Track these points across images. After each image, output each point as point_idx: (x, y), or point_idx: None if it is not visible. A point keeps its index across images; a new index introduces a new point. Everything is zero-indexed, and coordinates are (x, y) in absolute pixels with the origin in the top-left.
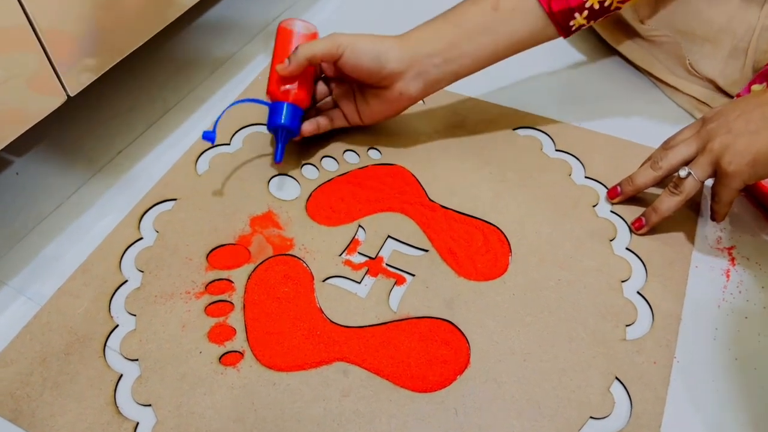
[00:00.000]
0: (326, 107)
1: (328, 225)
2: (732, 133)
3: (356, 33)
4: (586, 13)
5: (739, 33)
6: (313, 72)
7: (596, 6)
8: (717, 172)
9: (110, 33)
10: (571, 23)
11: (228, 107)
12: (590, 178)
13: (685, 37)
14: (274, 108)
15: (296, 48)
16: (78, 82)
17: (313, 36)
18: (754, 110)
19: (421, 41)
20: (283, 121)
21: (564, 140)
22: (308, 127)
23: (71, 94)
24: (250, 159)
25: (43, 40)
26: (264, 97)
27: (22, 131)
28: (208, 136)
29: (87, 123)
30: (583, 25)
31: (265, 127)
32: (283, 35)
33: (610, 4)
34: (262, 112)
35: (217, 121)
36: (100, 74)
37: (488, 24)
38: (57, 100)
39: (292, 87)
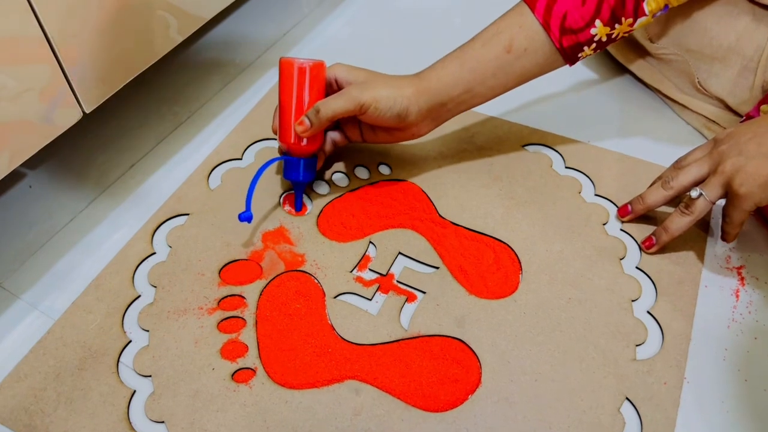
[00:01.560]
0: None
1: (339, 241)
2: (744, 155)
3: (370, 79)
4: (594, 45)
5: (748, 53)
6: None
7: (603, 39)
8: (728, 194)
9: (126, 49)
10: (579, 55)
11: (255, 178)
12: (600, 196)
13: (694, 56)
14: (292, 163)
15: (317, 108)
16: (93, 98)
17: (320, 67)
18: (767, 133)
19: (437, 92)
20: (304, 179)
21: (574, 158)
22: (318, 163)
23: (87, 111)
24: (263, 174)
25: (59, 57)
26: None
27: (39, 148)
28: (246, 217)
29: (99, 137)
30: (590, 54)
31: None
32: (285, 71)
33: (617, 36)
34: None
35: (249, 199)
36: (115, 90)
37: (502, 66)
38: (73, 116)
39: (307, 140)
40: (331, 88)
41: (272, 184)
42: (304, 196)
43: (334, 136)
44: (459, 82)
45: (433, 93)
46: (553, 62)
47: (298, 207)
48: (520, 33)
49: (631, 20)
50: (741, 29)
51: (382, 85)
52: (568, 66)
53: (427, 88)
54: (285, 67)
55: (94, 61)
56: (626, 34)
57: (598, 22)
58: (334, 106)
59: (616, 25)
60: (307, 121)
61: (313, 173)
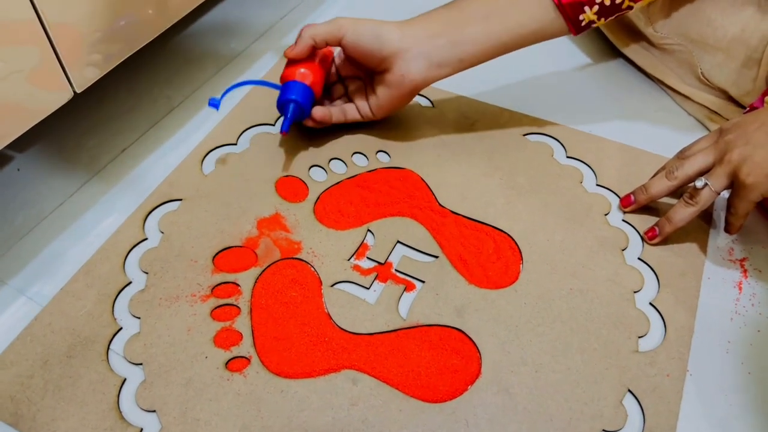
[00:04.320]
0: (340, 103)
1: (336, 229)
2: (751, 144)
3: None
4: (596, 8)
5: (753, 43)
6: (326, 63)
7: (607, 2)
8: (734, 184)
9: (119, 28)
10: (581, 17)
11: (243, 83)
12: (602, 186)
13: (697, 46)
14: (285, 86)
15: (301, 30)
16: (85, 78)
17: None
18: None
19: (422, 23)
20: (293, 96)
21: (575, 147)
22: (319, 111)
23: (78, 91)
24: (258, 160)
25: (50, 34)
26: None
27: (28, 127)
28: (214, 103)
29: (90, 120)
30: (594, 21)
31: (272, 127)
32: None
33: (622, 2)
34: (270, 112)
35: (226, 92)
36: (107, 70)
37: (492, 10)
38: (63, 96)
39: (303, 71)
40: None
41: (267, 169)
42: (300, 180)
43: (345, 107)
44: (445, 19)
45: (418, 24)
46: (552, 22)
47: (285, 127)
48: None
49: None
50: (745, 19)
51: (366, 19)
52: (572, 34)
53: (412, 21)
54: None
55: (86, 40)
56: (633, 3)
57: None
58: (316, 27)
59: None
60: (293, 45)
61: (307, 102)
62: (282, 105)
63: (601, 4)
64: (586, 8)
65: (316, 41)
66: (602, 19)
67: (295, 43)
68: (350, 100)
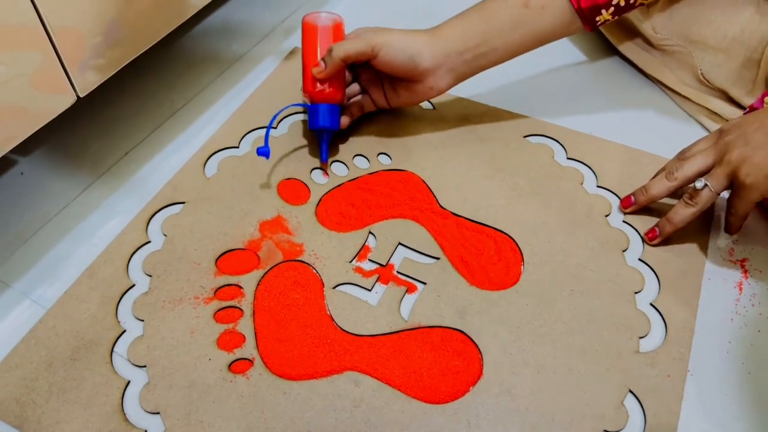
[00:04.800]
0: (353, 93)
1: (338, 231)
2: (750, 145)
3: (386, 29)
4: (612, 9)
5: (753, 44)
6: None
7: (622, 3)
8: (734, 185)
9: (121, 32)
10: (597, 18)
11: (275, 116)
12: (602, 187)
13: (697, 47)
14: (314, 110)
15: (330, 49)
16: (88, 82)
17: (338, 25)
18: None
19: (453, 39)
20: (327, 124)
21: (576, 148)
22: (345, 120)
23: (81, 95)
24: (260, 162)
25: (53, 39)
26: (286, 89)
27: (32, 132)
28: (264, 152)
29: (93, 123)
30: (608, 20)
31: (274, 130)
32: (308, 30)
33: (635, 2)
34: (271, 115)
35: (267, 134)
36: (110, 75)
37: (518, 20)
38: (67, 100)
39: (327, 86)
40: None
41: (269, 172)
42: (302, 182)
43: (360, 100)
44: (475, 33)
45: (449, 40)
46: (570, 23)
47: (324, 157)
48: None
49: None
50: (745, 20)
51: (396, 31)
52: (587, 30)
53: (442, 36)
54: (308, 27)
55: (89, 44)
56: (645, 1)
57: None
58: (346, 46)
59: None
60: (322, 63)
61: (336, 121)
62: (316, 131)
63: (617, 5)
64: (603, 10)
65: (347, 62)
66: (615, 17)
67: (324, 62)
68: (363, 88)
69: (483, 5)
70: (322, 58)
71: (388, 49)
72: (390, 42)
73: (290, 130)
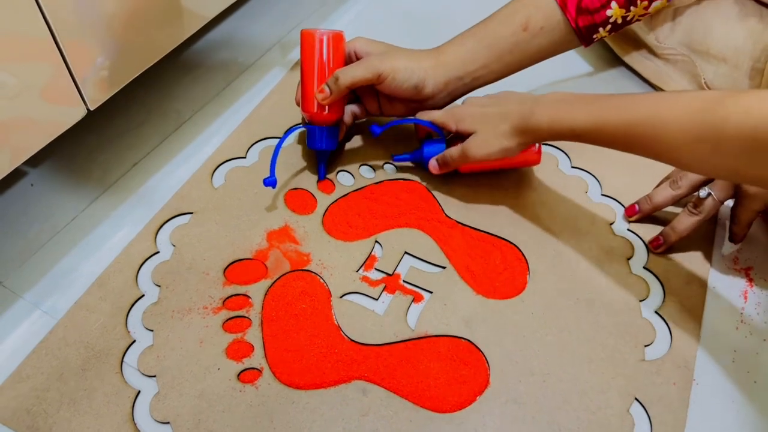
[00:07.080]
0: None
1: (344, 240)
2: None
3: (390, 51)
4: (609, 27)
5: (756, 53)
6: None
7: (619, 21)
8: (737, 194)
9: (131, 46)
10: (594, 36)
11: (279, 144)
12: (607, 195)
13: (700, 56)
14: (313, 132)
15: (336, 77)
16: (98, 95)
17: (339, 37)
18: None
19: (455, 64)
20: (324, 146)
21: (580, 157)
22: (340, 134)
23: (91, 108)
24: (266, 173)
25: (64, 53)
26: (292, 100)
27: (44, 144)
28: (270, 182)
29: (102, 135)
30: (605, 36)
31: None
32: (307, 45)
33: (631, 19)
34: (278, 126)
35: (273, 164)
36: (119, 88)
37: (518, 44)
38: (77, 113)
39: (328, 108)
40: (350, 60)
41: (277, 182)
42: (308, 192)
43: (353, 108)
44: (476, 58)
45: (451, 67)
46: (568, 42)
47: (321, 176)
48: (537, 12)
49: (646, 3)
50: (748, 30)
51: (400, 56)
52: (583, 47)
53: (444, 62)
54: (306, 39)
55: (99, 58)
56: (641, 18)
57: (614, 4)
58: (352, 73)
59: (632, 8)
60: (327, 89)
61: (335, 142)
62: (314, 151)
63: (614, 23)
64: (600, 28)
65: (352, 88)
66: (611, 34)
67: (329, 88)
68: (355, 93)
69: (483, 30)
70: (327, 84)
71: (393, 75)
72: (395, 69)
73: (296, 140)
